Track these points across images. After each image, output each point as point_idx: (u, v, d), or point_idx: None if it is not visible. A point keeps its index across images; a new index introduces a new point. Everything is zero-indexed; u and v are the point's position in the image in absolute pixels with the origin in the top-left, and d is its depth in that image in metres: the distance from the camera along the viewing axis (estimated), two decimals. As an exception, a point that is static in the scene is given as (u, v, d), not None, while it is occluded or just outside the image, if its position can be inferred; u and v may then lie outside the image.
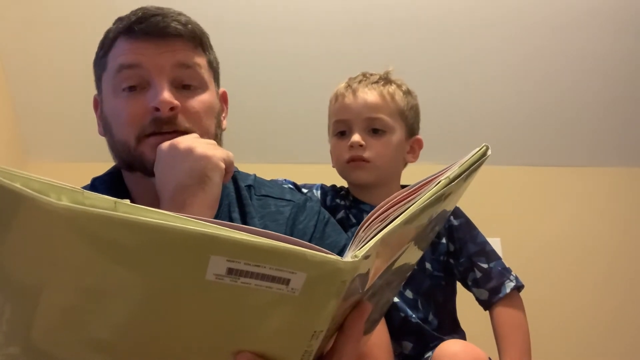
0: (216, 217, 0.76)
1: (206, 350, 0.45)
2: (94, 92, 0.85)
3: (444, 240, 1.08)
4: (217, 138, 0.82)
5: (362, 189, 1.11)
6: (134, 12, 0.79)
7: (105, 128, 0.82)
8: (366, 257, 0.41)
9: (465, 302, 1.11)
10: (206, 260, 0.38)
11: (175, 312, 0.42)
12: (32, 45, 1.73)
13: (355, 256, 0.41)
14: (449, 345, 0.89)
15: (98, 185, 0.84)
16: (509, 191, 2.00)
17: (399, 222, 0.44)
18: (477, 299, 1.08)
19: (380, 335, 0.80)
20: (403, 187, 0.79)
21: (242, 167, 0.91)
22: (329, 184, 1.17)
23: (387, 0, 1.76)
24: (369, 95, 1.08)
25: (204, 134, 0.77)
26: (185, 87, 0.79)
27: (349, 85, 1.11)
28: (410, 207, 0.45)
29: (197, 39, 0.80)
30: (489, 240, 1.11)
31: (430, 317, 1.05)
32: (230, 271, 0.39)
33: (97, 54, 0.83)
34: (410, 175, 1.05)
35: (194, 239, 0.37)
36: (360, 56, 1.72)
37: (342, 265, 0.40)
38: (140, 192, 0.82)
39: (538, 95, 1.93)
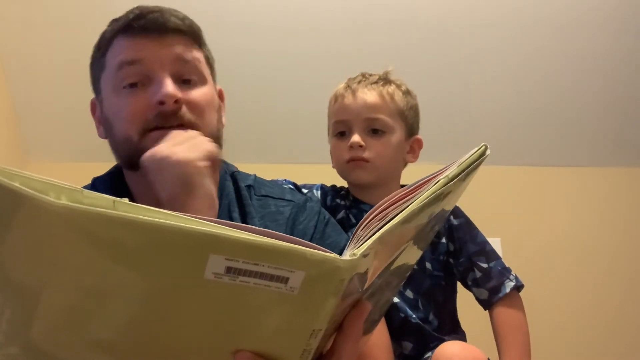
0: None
1: (206, 349, 0.45)
2: (94, 92, 0.86)
3: (443, 240, 1.08)
4: (219, 133, 0.82)
5: (362, 189, 1.11)
6: (130, 11, 0.79)
7: (107, 128, 0.82)
8: (364, 255, 0.41)
9: (465, 302, 1.11)
10: (205, 259, 0.38)
11: (175, 311, 0.42)
12: (32, 45, 1.73)
13: (354, 254, 0.41)
14: (448, 347, 0.89)
15: (98, 185, 0.83)
16: (509, 191, 2.00)
17: (397, 221, 0.44)
18: (477, 299, 1.08)
19: (380, 335, 0.81)
20: (403, 187, 0.79)
21: (242, 167, 0.91)
22: (329, 184, 1.17)
23: (387, 0, 1.76)
24: (369, 95, 1.08)
25: (206, 126, 0.78)
26: (185, 81, 0.79)
27: (348, 86, 1.11)
28: (409, 206, 0.45)
29: (195, 34, 0.81)
30: (489, 240, 1.11)
31: (431, 317, 1.05)
32: (228, 270, 0.38)
33: (94, 55, 0.83)
34: (410, 175, 1.05)
35: (193, 237, 0.37)
36: (360, 56, 1.72)
37: (341, 264, 0.40)
38: (142, 191, 0.81)
39: (538, 95, 1.92)
